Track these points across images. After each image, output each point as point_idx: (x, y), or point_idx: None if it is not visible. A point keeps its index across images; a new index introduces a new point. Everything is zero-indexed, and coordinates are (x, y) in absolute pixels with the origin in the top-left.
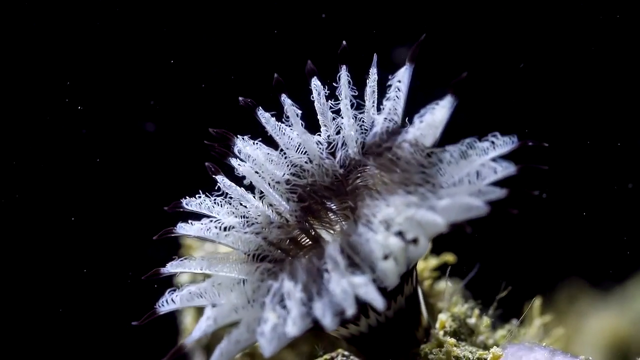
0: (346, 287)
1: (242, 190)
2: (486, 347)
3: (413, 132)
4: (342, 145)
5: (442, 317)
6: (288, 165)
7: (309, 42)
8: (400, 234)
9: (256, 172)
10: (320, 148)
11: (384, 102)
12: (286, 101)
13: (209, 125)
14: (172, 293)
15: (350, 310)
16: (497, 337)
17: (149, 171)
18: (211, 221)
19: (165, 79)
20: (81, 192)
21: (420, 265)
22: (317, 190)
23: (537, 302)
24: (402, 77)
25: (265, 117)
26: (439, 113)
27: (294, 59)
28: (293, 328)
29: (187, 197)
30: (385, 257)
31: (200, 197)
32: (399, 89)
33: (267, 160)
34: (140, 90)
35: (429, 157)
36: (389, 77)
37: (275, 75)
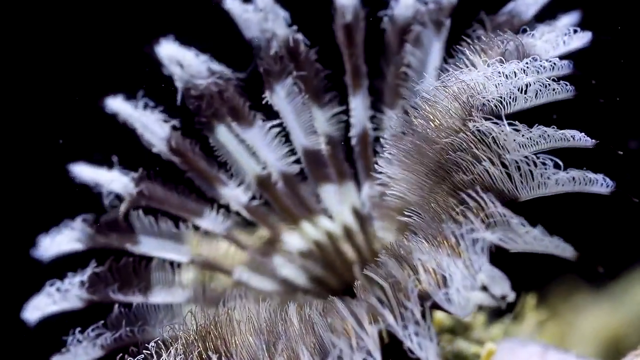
0: None
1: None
2: (481, 343)
3: (541, 44)
4: None
5: (438, 313)
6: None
7: None
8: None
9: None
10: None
11: None
12: None
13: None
14: None
15: None
16: (491, 333)
17: None
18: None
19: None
20: None
21: None
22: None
23: (531, 299)
24: None
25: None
26: (573, 42)
27: None
28: None
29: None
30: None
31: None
32: None
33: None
34: None
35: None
36: None
37: None
